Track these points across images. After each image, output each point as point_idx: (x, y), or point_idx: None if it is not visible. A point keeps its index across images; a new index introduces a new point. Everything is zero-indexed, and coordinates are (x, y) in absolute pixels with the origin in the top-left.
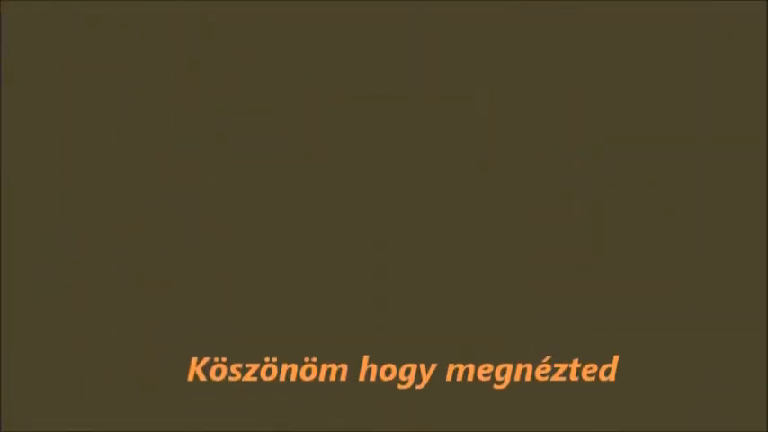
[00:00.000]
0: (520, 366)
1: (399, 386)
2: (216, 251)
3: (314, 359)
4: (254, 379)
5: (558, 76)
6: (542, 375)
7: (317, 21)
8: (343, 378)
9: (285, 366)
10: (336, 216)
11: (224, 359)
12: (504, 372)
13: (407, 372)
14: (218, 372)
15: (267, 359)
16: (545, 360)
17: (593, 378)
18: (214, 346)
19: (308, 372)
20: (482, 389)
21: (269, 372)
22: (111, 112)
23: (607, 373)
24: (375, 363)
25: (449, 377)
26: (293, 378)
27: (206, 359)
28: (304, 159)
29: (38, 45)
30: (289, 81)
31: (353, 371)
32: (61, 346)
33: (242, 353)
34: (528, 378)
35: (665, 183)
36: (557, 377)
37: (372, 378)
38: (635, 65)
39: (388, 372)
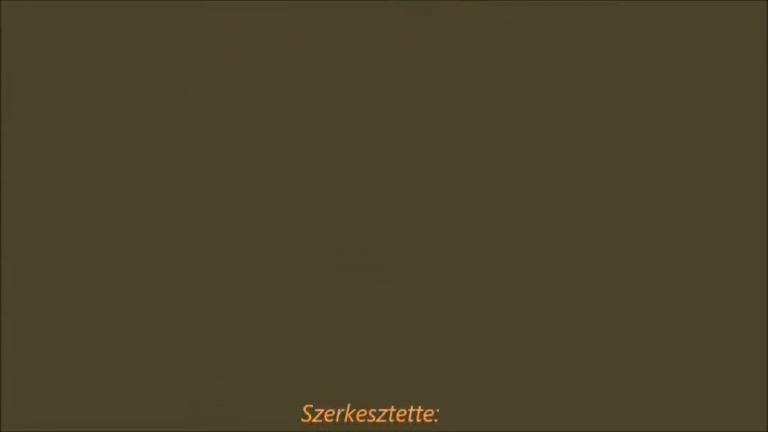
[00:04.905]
0: None
1: None
2: None
3: None
4: None
5: (557, 76)
6: None
7: (316, 20)
8: None
9: None
10: None
11: None
12: None
13: None
14: None
15: None
16: None
17: None
18: None
19: None
20: None
21: None
22: (110, 111)
23: None
24: None
25: None
26: None
27: None
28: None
29: (37, 45)
30: (288, 81)
31: None
32: (61, 346)
33: None
34: None
35: (664, 183)
36: None
37: None
38: (634, 65)
39: None
